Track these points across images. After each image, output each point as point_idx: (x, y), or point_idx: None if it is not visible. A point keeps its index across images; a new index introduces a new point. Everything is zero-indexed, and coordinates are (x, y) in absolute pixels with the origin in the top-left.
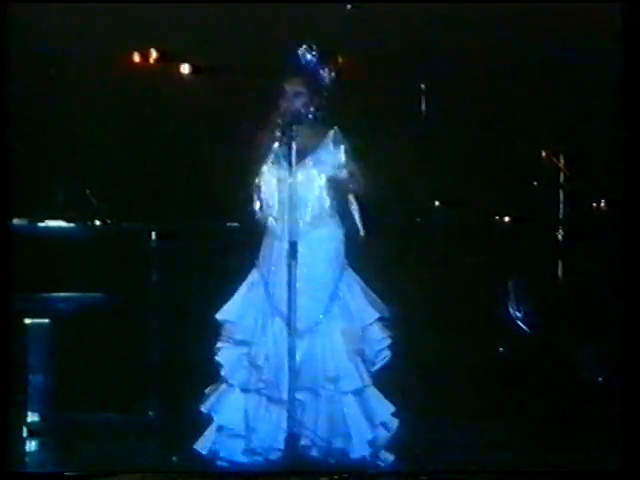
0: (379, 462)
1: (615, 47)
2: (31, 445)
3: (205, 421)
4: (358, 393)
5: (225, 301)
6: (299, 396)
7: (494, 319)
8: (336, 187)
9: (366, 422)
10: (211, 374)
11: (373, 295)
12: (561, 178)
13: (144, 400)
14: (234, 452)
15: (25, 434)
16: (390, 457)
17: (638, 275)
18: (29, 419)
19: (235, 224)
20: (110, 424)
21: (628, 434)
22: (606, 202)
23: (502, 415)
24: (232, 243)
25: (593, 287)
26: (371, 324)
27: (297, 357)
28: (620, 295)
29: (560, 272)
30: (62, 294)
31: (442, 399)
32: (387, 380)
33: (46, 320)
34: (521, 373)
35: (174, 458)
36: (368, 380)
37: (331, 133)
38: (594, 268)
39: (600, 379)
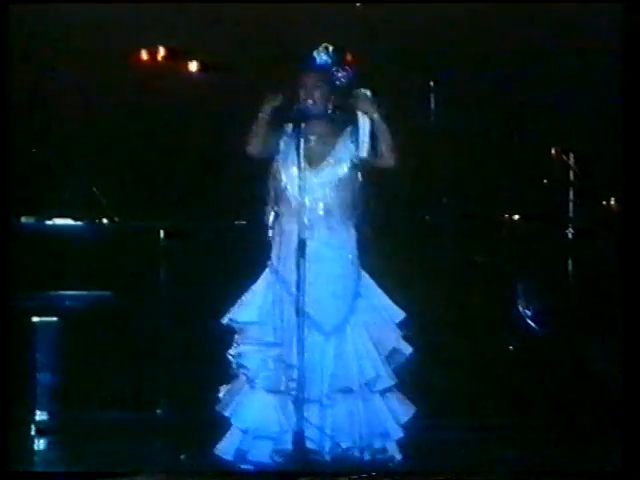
0: (399, 462)
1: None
2: (39, 444)
3: (217, 419)
4: (384, 393)
5: (235, 300)
6: (333, 396)
7: (503, 317)
8: (351, 186)
9: (394, 421)
10: (221, 373)
11: None
12: (571, 176)
13: (152, 398)
14: (260, 453)
15: (33, 432)
16: (409, 456)
17: None
18: (37, 417)
19: (244, 222)
20: (118, 422)
21: (628, 434)
22: (616, 200)
23: (503, 415)
24: (241, 242)
25: (603, 285)
26: (397, 323)
27: (328, 357)
28: (629, 294)
29: (570, 270)
30: (70, 292)
31: (446, 397)
32: (401, 379)
33: (54, 318)
34: (525, 372)
35: (182, 457)
36: (394, 379)
37: (347, 132)
38: (604, 266)
39: (606, 378)
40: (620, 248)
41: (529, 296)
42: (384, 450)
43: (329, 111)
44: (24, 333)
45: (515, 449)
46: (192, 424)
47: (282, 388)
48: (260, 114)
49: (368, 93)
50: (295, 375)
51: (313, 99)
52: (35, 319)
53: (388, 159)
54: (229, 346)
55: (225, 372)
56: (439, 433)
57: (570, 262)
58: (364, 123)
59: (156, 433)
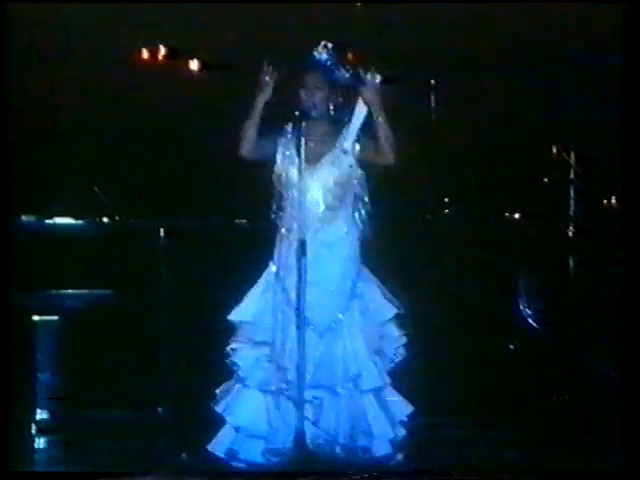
0: (398, 461)
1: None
2: (40, 443)
3: (216, 418)
4: (377, 392)
5: (234, 298)
6: (320, 395)
7: (504, 316)
8: (352, 185)
9: (387, 421)
10: (222, 372)
11: (388, 293)
12: (572, 174)
13: (154, 397)
14: (252, 452)
15: (34, 432)
16: (407, 456)
17: None
18: (38, 417)
19: (244, 221)
20: (118, 422)
21: (628, 434)
22: (617, 199)
23: (503, 414)
24: (241, 240)
25: (604, 284)
26: (389, 321)
27: (318, 356)
28: (630, 292)
29: (571, 269)
30: (71, 291)
31: (446, 396)
32: (400, 378)
33: (55, 317)
34: (525, 371)
35: (183, 455)
36: (387, 379)
37: (345, 131)
38: (605, 265)
39: (607, 377)
40: (621, 246)
41: (530, 295)
42: (378, 450)
43: (329, 110)
44: (24, 332)
45: (515, 449)
46: (193, 423)
47: (274, 387)
48: (251, 112)
49: (377, 80)
50: (287, 374)
51: (313, 97)
52: (35, 318)
53: (387, 156)
54: (228, 343)
55: (226, 370)
56: (438, 432)
57: (571, 261)
58: (360, 113)
59: (157, 432)
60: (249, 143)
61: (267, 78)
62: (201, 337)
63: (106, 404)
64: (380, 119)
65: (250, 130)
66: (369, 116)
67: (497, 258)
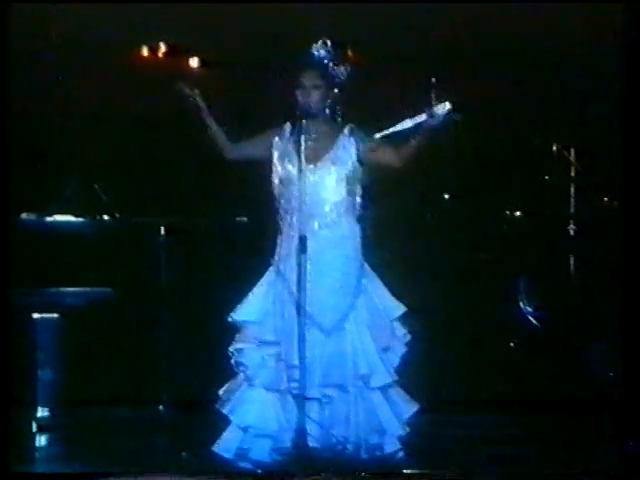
0: (401, 459)
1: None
2: (40, 441)
3: (217, 416)
4: (385, 389)
5: (235, 297)
6: (330, 394)
7: (505, 314)
8: (352, 183)
9: (394, 418)
10: (222, 370)
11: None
12: (572, 172)
13: (154, 395)
14: (259, 452)
15: (34, 430)
16: (410, 454)
17: None
18: (38, 415)
19: (245, 219)
20: (119, 420)
21: (628, 434)
22: (617, 197)
23: (503, 413)
24: (242, 238)
25: (604, 282)
26: (397, 318)
27: (327, 354)
28: (630, 290)
29: (571, 267)
30: (71, 289)
31: (447, 395)
32: (403, 376)
33: (55, 315)
34: (526, 369)
35: (183, 454)
36: (395, 376)
37: (346, 130)
38: (605, 262)
39: (607, 377)
40: (621, 244)
41: (530, 293)
42: (386, 447)
43: (327, 108)
44: (24, 329)
45: (515, 449)
46: (194, 422)
47: (281, 386)
48: (206, 127)
49: (446, 110)
50: (294, 373)
51: (312, 95)
52: (35, 315)
53: (399, 163)
54: (231, 343)
55: (227, 369)
56: (439, 431)
57: (571, 258)
58: (409, 123)
59: (158, 431)
60: (227, 148)
61: (189, 94)
62: (201, 335)
63: (106, 403)
64: (422, 138)
65: (219, 139)
66: (411, 129)
67: (498, 256)
